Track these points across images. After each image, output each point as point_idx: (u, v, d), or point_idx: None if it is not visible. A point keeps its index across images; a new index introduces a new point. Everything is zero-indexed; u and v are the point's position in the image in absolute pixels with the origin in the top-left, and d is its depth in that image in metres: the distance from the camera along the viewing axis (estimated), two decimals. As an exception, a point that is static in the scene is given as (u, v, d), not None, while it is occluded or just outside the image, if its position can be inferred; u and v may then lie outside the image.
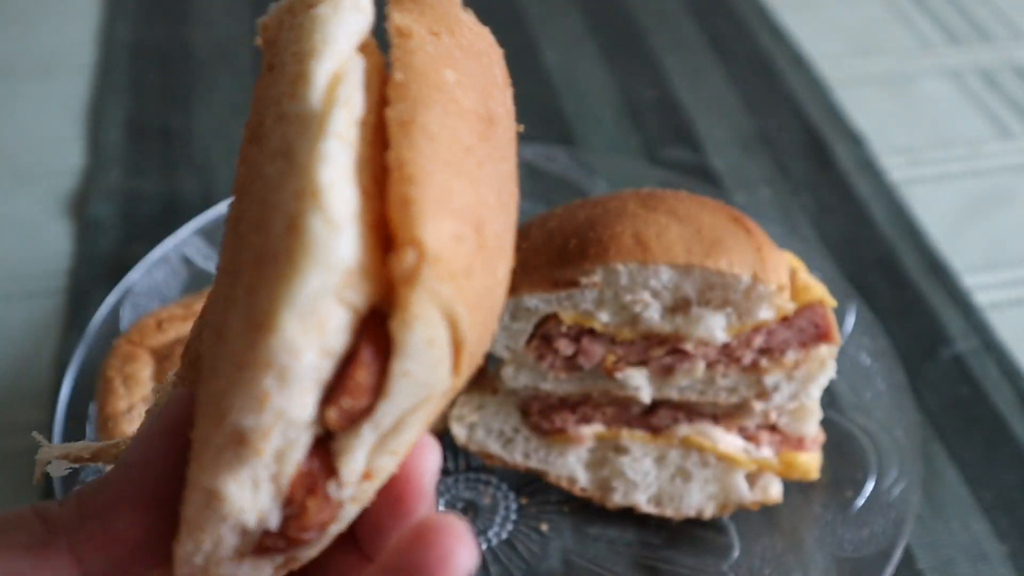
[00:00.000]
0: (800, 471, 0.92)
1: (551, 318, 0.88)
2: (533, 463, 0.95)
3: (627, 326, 0.87)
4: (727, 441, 0.92)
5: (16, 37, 1.57)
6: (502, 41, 0.59)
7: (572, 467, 0.95)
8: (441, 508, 0.95)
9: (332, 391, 0.44)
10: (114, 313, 1.06)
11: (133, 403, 0.89)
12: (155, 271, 1.11)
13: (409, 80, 0.47)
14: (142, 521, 0.49)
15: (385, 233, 0.44)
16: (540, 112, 1.43)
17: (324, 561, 0.51)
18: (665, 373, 0.89)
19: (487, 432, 0.95)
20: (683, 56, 1.55)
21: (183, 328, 0.96)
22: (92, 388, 0.97)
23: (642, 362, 0.89)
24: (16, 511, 0.50)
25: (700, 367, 0.88)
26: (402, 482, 0.49)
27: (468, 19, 0.57)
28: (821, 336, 0.87)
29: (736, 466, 0.92)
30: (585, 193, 1.22)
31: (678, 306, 0.86)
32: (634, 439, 0.93)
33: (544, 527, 0.94)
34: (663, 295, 0.86)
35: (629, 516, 0.95)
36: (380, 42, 0.52)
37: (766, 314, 0.85)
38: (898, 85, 1.50)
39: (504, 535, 0.94)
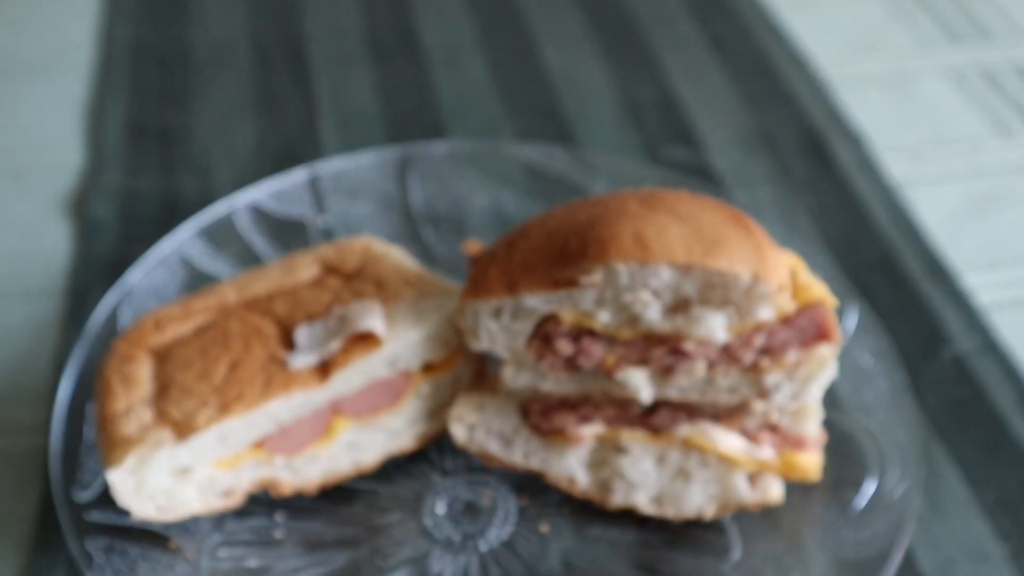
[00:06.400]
0: (801, 472, 0.92)
1: (551, 318, 0.88)
2: (533, 464, 0.95)
3: (627, 326, 0.87)
4: (728, 441, 0.92)
5: (16, 37, 1.57)
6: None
7: (572, 468, 0.94)
8: (441, 510, 0.95)
9: None
10: (113, 313, 1.05)
11: (131, 403, 0.89)
12: (154, 271, 1.10)
13: None
14: None
15: None
16: (540, 112, 1.43)
17: None
18: (665, 373, 0.89)
19: (487, 433, 0.95)
20: (683, 56, 1.55)
21: (181, 328, 0.95)
22: (90, 388, 0.97)
23: (642, 362, 0.89)
24: None
25: (700, 367, 0.88)
26: None
27: None
28: (822, 336, 0.87)
29: (737, 466, 0.92)
30: (585, 193, 1.22)
31: (678, 306, 0.86)
32: (634, 439, 0.93)
33: (544, 528, 0.94)
34: (663, 295, 0.85)
35: (629, 517, 0.94)
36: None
37: (766, 314, 0.85)
38: (899, 84, 1.50)
39: (504, 536, 0.93)
